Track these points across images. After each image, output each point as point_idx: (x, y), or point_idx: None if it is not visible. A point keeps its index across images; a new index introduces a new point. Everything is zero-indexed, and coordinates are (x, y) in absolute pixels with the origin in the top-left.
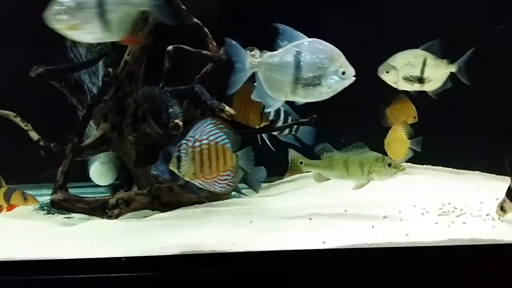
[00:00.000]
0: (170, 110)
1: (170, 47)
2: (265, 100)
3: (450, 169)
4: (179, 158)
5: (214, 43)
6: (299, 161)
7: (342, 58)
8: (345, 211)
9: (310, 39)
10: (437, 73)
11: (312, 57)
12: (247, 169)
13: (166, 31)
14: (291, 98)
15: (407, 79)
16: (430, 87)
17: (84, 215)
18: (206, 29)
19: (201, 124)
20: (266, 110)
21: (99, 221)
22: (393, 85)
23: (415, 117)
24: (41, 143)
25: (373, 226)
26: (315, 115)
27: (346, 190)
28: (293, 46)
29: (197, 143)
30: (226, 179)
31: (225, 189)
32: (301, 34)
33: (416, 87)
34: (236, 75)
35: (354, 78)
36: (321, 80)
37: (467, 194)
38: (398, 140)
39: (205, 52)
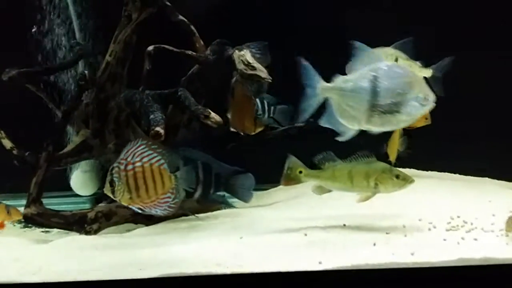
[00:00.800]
0: (151, 116)
1: (150, 47)
2: (337, 128)
3: (457, 175)
4: (111, 183)
5: (202, 42)
6: (298, 170)
7: (422, 83)
8: (344, 225)
9: (388, 63)
10: None
11: (391, 82)
12: (189, 188)
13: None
14: (364, 127)
15: None
16: None
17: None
18: (192, 27)
19: (132, 145)
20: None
21: (76, 237)
22: None
23: (426, 119)
24: (15, 151)
25: (374, 244)
26: (312, 119)
27: (345, 200)
28: (369, 70)
29: (130, 166)
30: (166, 201)
31: (167, 211)
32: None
33: None
34: (307, 101)
35: (434, 104)
36: (400, 107)
37: (478, 206)
38: (393, 142)
39: (190, 52)
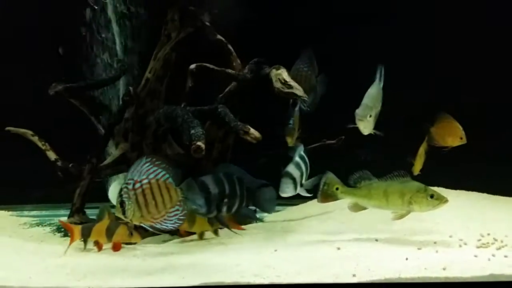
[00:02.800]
0: (192, 131)
1: (193, 66)
2: None
3: (485, 194)
4: (122, 204)
5: (239, 61)
6: (335, 187)
7: None
8: (376, 240)
9: None
10: None
11: None
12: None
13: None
14: None
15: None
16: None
17: None
18: (230, 46)
19: (137, 164)
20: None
21: None
22: (365, 131)
23: (461, 138)
24: (59, 163)
25: (407, 259)
26: (343, 136)
27: (375, 216)
28: None
29: (137, 184)
30: (176, 214)
31: (177, 224)
32: None
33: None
34: None
35: None
36: None
37: (507, 224)
38: (420, 156)
39: (230, 71)
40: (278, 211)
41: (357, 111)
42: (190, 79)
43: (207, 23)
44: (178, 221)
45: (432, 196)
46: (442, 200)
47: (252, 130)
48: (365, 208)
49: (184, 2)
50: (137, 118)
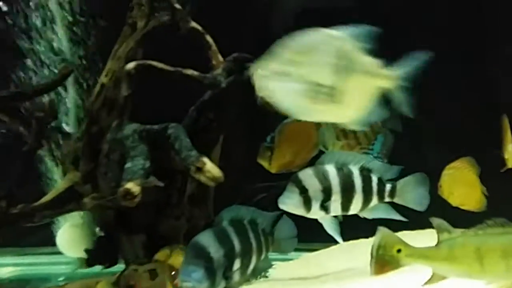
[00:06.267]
0: (128, 164)
1: (130, 65)
2: None
3: None
4: None
5: (220, 57)
6: (396, 249)
7: None
8: None
9: None
10: None
11: None
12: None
13: None
14: None
15: None
16: None
17: None
18: (209, 38)
19: None
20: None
21: None
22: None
23: None
24: None
25: None
26: None
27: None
28: None
29: None
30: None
31: None
32: None
33: None
34: None
35: None
36: None
37: None
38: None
39: (190, 72)
40: (290, 259)
41: None
42: (127, 84)
43: (178, 6)
44: None
45: None
46: None
47: (208, 166)
48: (443, 278)
49: None
50: (89, 138)
